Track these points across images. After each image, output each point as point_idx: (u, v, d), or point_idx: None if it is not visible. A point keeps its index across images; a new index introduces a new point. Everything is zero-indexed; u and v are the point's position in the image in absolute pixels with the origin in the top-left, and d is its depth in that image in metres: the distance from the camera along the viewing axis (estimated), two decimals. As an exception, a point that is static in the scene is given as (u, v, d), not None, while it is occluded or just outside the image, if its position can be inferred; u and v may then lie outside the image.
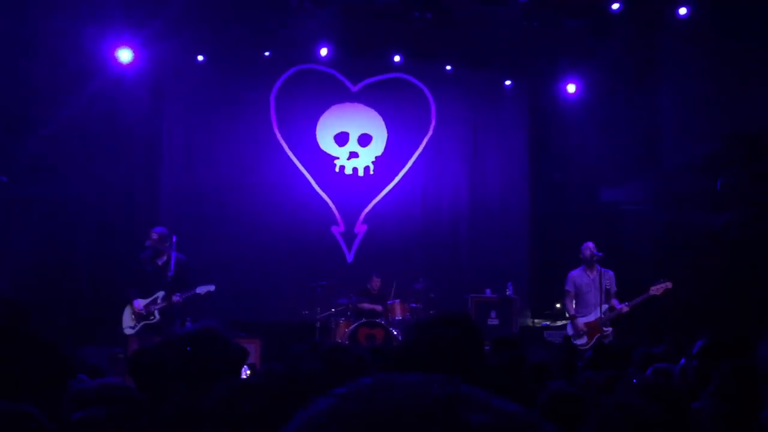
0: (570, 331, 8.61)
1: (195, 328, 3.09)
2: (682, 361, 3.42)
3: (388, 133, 11.97)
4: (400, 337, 9.56)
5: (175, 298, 8.26)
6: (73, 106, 10.04)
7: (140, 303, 8.36)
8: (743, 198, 8.86)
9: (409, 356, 1.89)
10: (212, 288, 8.42)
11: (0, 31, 9.42)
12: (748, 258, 8.74)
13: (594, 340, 8.25)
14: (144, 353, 3.85)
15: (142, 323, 8.35)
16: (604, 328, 8.29)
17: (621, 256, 9.59)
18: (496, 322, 10.43)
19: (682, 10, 10.00)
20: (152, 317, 8.33)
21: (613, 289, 8.48)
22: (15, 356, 2.79)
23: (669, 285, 8.15)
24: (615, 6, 10.20)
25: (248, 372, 7.40)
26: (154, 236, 8.47)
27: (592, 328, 8.33)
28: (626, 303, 8.30)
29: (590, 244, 8.58)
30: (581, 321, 8.43)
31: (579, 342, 8.36)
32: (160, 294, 8.35)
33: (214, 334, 3.05)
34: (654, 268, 9.69)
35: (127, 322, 8.44)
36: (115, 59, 10.40)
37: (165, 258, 8.46)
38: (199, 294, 8.40)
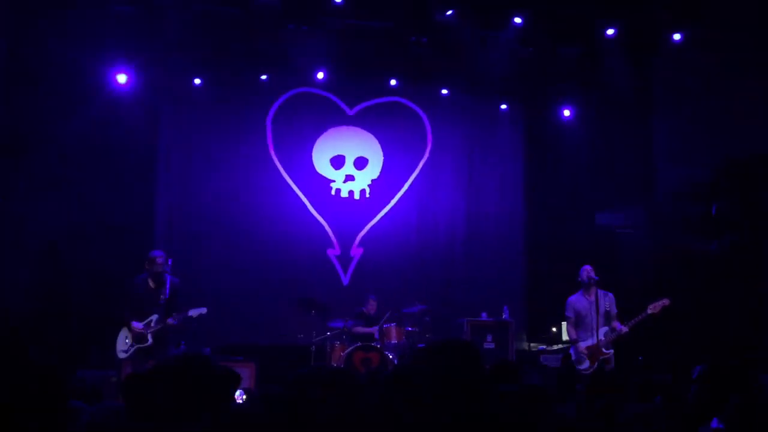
0: (573, 356, 8.58)
1: (180, 355, 3.08)
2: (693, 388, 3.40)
3: (384, 156, 12.00)
4: (395, 361, 9.52)
5: (170, 321, 8.23)
6: (69, 128, 10.06)
7: (138, 324, 8.30)
8: (737, 224, 8.90)
9: (405, 381, 1.87)
10: (204, 311, 8.37)
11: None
12: (741, 282, 8.77)
13: (596, 364, 8.22)
14: (135, 379, 3.83)
15: (135, 347, 8.28)
16: (605, 350, 8.27)
17: (617, 280, 9.59)
18: (492, 345, 10.41)
19: (676, 36, 10.10)
20: (145, 341, 8.26)
21: (614, 311, 8.47)
22: (12, 382, 2.76)
23: (666, 302, 8.14)
24: (610, 32, 10.28)
25: (243, 397, 7.36)
26: (161, 260, 8.43)
27: (593, 352, 8.30)
28: (625, 324, 8.27)
29: (587, 267, 8.57)
30: (583, 345, 8.40)
31: (582, 367, 8.33)
32: (154, 317, 8.31)
33: (198, 361, 3.03)
34: (649, 292, 9.69)
35: (121, 346, 8.37)
36: (112, 82, 10.43)
37: (159, 282, 8.42)
38: (191, 317, 8.34)
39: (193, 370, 3.01)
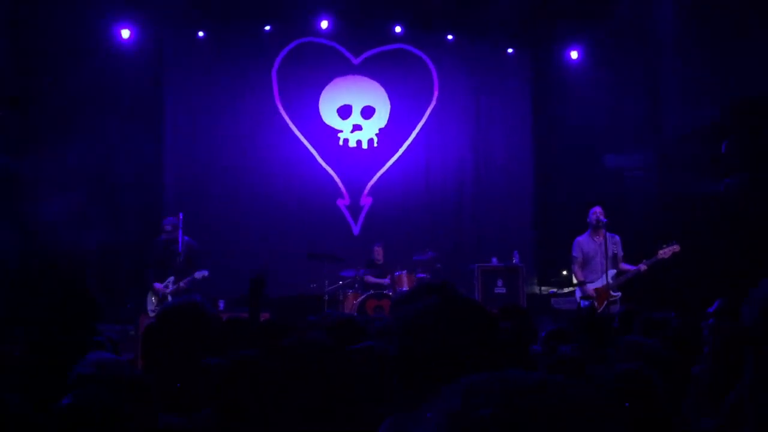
0: (579, 296, 8.65)
1: (172, 306, 3.12)
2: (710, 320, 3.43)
3: (391, 104, 11.96)
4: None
5: (181, 284, 8.47)
6: (73, 82, 10.05)
7: (159, 285, 8.60)
8: (747, 162, 8.85)
9: (405, 331, 1.86)
10: (206, 273, 8.59)
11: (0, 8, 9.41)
12: (752, 222, 8.76)
13: (603, 306, 8.30)
14: (152, 330, 3.90)
15: (160, 307, 8.53)
16: (612, 293, 8.33)
17: (625, 222, 9.60)
18: (503, 290, 10.48)
19: (684, -26, 9.94)
20: (166, 301, 8.49)
21: (620, 253, 8.51)
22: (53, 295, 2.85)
23: (677, 248, 8.15)
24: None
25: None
26: (169, 227, 8.65)
27: (600, 294, 8.37)
28: (643, 262, 8.29)
29: (597, 209, 8.58)
30: (590, 287, 8.46)
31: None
32: (170, 279, 8.57)
33: (194, 309, 3.07)
34: (658, 233, 9.71)
35: (149, 306, 8.73)
36: (116, 36, 10.38)
37: (177, 243, 8.62)
38: (197, 279, 8.56)
39: (186, 317, 3.04)
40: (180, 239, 8.61)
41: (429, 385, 1.74)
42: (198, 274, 8.54)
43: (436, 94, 12.07)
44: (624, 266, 8.43)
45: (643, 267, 8.25)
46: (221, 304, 9.82)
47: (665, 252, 8.16)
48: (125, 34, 10.41)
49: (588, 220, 8.58)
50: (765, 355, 1.39)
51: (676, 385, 3.04)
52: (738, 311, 3.55)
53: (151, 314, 8.64)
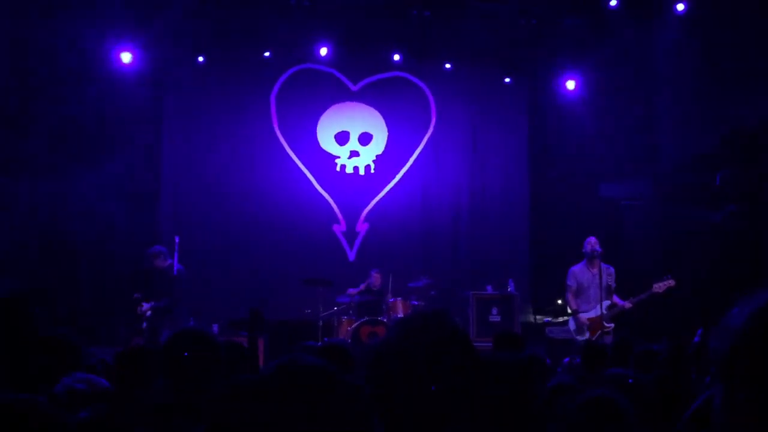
0: (572, 326, 8.64)
1: (181, 331, 3.14)
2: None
3: (388, 131, 12.01)
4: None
5: (149, 304, 8.43)
6: (73, 106, 10.11)
7: (139, 308, 8.58)
8: (741, 193, 8.89)
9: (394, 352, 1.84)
10: (164, 302, 8.49)
11: (0, 31, 9.48)
12: (746, 253, 8.78)
13: (596, 336, 8.29)
14: (131, 352, 3.89)
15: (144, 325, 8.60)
16: (606, 324, 8.32)
17: (621, 252, 9.63)
18: (497, 318, 10.45)
19: (680, 6, 10.04)
20: (145, 321, 8.53)
21: (613, 285, 8.50)
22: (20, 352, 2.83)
23: (672, 283, 8.15)
24: (613, 2, 10.23)
25: None
26: (150, 256, 8.65)
27: (594, 324, 8.36)
28: (629, 300, 8.31)
29: (592, 239, 8.59)
30: (584, 317, 8.45)
31: (581, 338, 8.38)
32: (151, 303, 8.56)
33: (198, 336, 3.08)
34: (654, 264, 9.73)
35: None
36: (116, 60, 10.45)
37: (163, 266, 8.61)
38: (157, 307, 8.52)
39: (195, 343, 3.06)
40: (176, 264, 8.59)
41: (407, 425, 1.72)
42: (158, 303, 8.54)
43: (433, 121, 12.13)
44: (615, 299, 8.44)
45: (627, 305, 8.27)
46: (215, 328, 9.79)
47: (660, 286, 8.16)
48: (126, 58, 10.47)
49: (583, 250, 8.59)
50: (734, 388, 1.39)
51: (653, 411, 3.04)
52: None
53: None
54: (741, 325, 1.44)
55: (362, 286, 10.39)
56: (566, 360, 5.00)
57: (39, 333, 3.03)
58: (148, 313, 8.54)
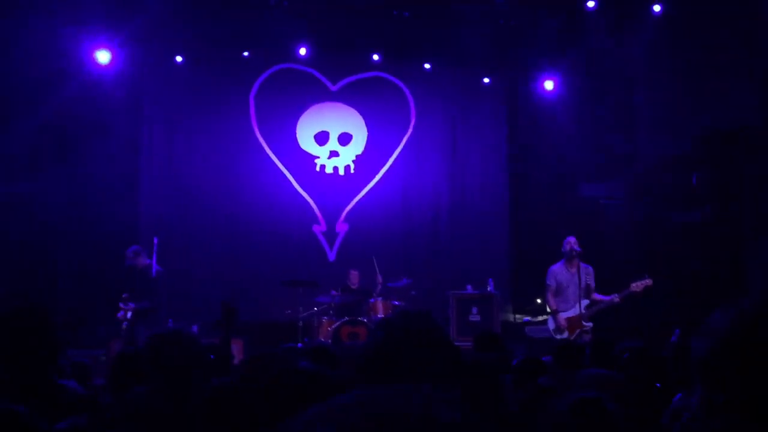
0: (551, 325, 8.69)
1: (165, 333, 3.14)
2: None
3: (368, 131, 12.02)
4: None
5: (130, 305, 8.37)
6: (51, 106, 10.04)
7: (121, 313, 8.53)
8: (717, 194, 9.00)
9: (377, 356, 1.87)
10: (146, 304, 8.46)
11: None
12: (721, 252, 8.89)
13: (575, 335, 8.34)
14: (123, 357, 3.88)
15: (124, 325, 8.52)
16: (585, 323, 8.38)
17: (600, 251, 9.69)
18: (477, 318, 10.50)
19: (656, 8, 10.13)
20: (126, 322, 8.45)
21: (593, 284, 8.56)
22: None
23: (649, 282, 8.22)
24: (590, 4, 10.31)
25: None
26: (130, 254, 8.58)
27: (573, 324, 8.42)
28: (616, 294, 8.34)
29: (571, 239, 8.64)
30: (562, 316, 8.51)
31: (560, 337, 8.44)
32: (131, 305, 8.49)
33: (180, 338, 3.08)
34: (632, 263, 9.81)
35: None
36: (94, 60, 10.38)
37: (142, 266, 8.56)
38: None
39: (180, 344, 3.06)
40: (154, 264, 8.55)
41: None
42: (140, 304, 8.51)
43: (412, 121, 12.16)
44: (597, 296, 8.49)
45: (616, 299, 8.32)
46: (195, 329, 9.75)
47: (638, 285, 8.22)
48: (104, 58, 10.40)
49: (562, 250, 8.64)
50: (713, 390, 1.42)
51: (639, 412, 3.07)
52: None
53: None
54: (722, 329, 1.47)
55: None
56: (545, 359, 5.05)
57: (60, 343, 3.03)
58: (129, 314, 8.48)
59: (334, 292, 10.19)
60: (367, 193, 11.93)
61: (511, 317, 11.43)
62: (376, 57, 11.69)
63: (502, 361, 4.63)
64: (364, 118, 12.04)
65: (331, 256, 11.77)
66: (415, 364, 1.81)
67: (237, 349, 9.43)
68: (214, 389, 2.60)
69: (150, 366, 3.03)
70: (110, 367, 3.86)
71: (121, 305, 8.50)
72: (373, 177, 11.97)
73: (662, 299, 8.74)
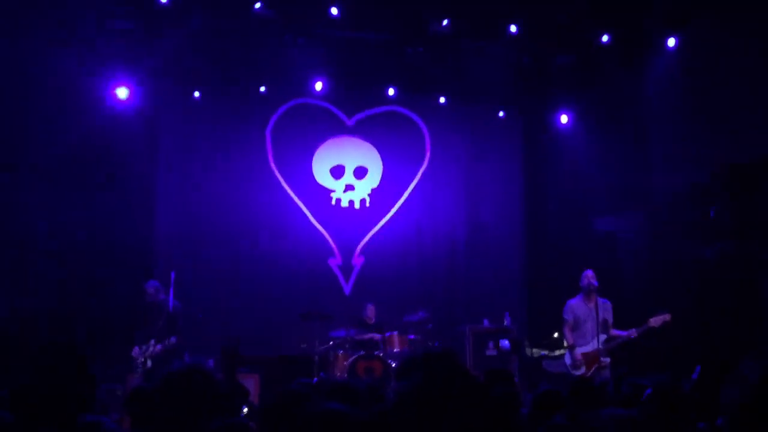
0: (568, 360, 8.63)
1: (181, 368, 3.14)
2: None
3: (383, 165, 12.07)
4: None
5: (158, 347, 8.47)
6: (69, 141, 10.14)
7: (137, 350, 8.61)
8: (735, 229, 8.93)
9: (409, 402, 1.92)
10: (174, 340, 8.63)
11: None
12: (739, 288, 8.80)
13: (592, 371, 8.27)
14: (140, 392, 3.90)
15: (140, 371, 8.62)
16: (602, 359, 8.30)
17: (616, 285, 9.63)
18: (494, 352, 10.44)
19: (671, 41, 10.16)
20: (146, 365, 8.53)
21: (611, 320, 8.51)
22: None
23: (668, 317, 8.16)
24: (604, 38, 10.35)
25: (245, 410, 7.42)
26: (151, 290, 8.72)
27: (590, 359, 8.35)
28: (633, 329, 8.29)
29: (589, 273, 8.60)
30: (579, 351, 8.44)
31: (577, 372, 8.38)
32: (152, 342, 8.58)
33: (200, 375, 3.08)
34: (649, 297, 9.74)
35: (133, 364, 8.72)
36: (111, 96, 10.51)
37: (158, 307, 8.66)
38: (169, 344, 8.59)
39: (195, 382, 3.06)
40: (171, 299, 8.62)
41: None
42: (172, 340, 8.62)
43: (428, 155, 12.20)
44: (615, 332, 8.43)
45: (633, 334, 8.26)
46: (210, 363, 9.74)
47: (656, 320, 8.17)
48: (122, 93, 10.53)
49: (581, 284, 8.60)
50: None
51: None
52: (719, 378, 3.57)
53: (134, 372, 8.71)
54: (754, 377, 1.46)
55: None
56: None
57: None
58: (150, 351, 8.54)
59: (352, 331, 10.15)
60: (382, 226, 11.95)
61: (527, 351, 11.33)
62: (391, 91, 11.76)
63: (512, 397, 4.60)
64: (380, 152, 12.09)
65: (347, 289, 11.76)
66: (444, 409, 1.85)
67: (253, 383, 9.42)
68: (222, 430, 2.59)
69: (164, 405, 3.03)
70: (126, 404, 3.86)
71: (138, 347, 8.56)
72: (389, 210, 11.99)
73: (681, 335, 8.65)
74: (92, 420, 2.94)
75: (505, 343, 10.32)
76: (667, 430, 3.66)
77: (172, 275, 8.79)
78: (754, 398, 1.47)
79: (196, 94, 11.27)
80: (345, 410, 2.47)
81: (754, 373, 1.49)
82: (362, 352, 9.84)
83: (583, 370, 8.35)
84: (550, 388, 4.67)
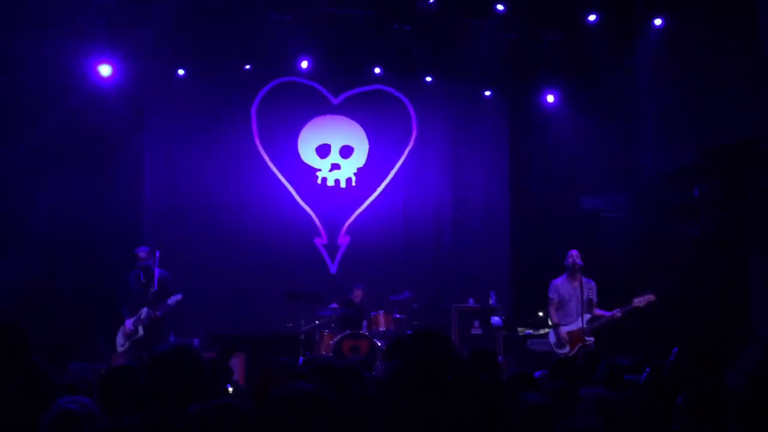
0: (552, 339, 8.68)
1: (166, 349, 3.12)
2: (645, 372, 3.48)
3: (369, 144, 12.02)
4: (384, 348, 9.59)
5: (158, 313, 8.50)
6: (53, 121, 10.06)
7: (129, 322, 8.63)
8: (720, 208, 8.99)
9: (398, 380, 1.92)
10: (179, 297, 8.72)
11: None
12: (723, 266, 8.87)
13: (576, 350, 8.33)
14: (115, 373, 3.86)
15: (130, 340, 8.61)
16: (587, 338, 8.36)
17: (601, 264, 9.68)
18: (479, 331, 10.51)
19: (657, 21, 10.15)
20: (137, 334, 8.55)
21: (595, 299, 8.56)
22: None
23: (652, 297, 8.22)
24: (592, 18, 10.32)
25: (230, 389, 7.43)
26: (143, 255, 8.71)
27: (574, 338, 8.40)
28: (617, 309, 8.35)
29: (574, 252, 8.64)
30: (564, 330, 8.49)
31: (561, 351, 8.43)
32: (144, 310, 8.59)
33: (186, 355, 3.07)
34: (633, 276, 9.80)
35: (119, 340, 8.78)
36: (96, 74, 10.40)
37: (149, 276, 8.66)
38: (171, 305, 8.62)
39: (182, 362, 3.05)
40: (156, 275, 8.65)
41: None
42: (171, 300, 8.66)
43: (414, 134, 12.16)
44: (599, 312, 8.48)
45: (618, 314, 8.32)
46: (196, 342, 9.75)
47: (640, 300, 8.23)
48: (105, 71, 10.42)
49: (565, 263, 8.64)
50: (751, 423, 1.42)
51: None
52: (700, 361, 3.59)
53: (119, 348, 8.71)
54: (756, 365, 1.46)
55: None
56: (537, 374, 5.05)
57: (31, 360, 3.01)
58: (132, 329, 8.56)
59: (335, 305, 10.18)
60: (368, 205, 11.93)
61: (513, 330, 11.39)
62: (377, 70, 11.69)
63: (495, 379, 4.62)
64: (366, 131, 12.04)
65: (333, 268, 11.75)
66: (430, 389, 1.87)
67: (238, 362, 9.44)
68: (208, 411, 2.58)
69: (151, 383, 3.02)
70: (101, 383, 3.78)
71: (130, 320, 8.56)
72: (375, 190, 11.96)
73: (663, 314, 8.71)
74: (60, 409, 2.92)
75: (497, 319, 10.36)
76: (651, 409, 3.69)
77: (157, 254, 8.80)
78: (757, 384, 1.47)
79: (181, 72, 11.17)
80: (315, 391, 2.46)
81: (755, 360, 1.50)
82: (348, 332, 9.86)
83: (567, 349, 8.41)
84: (520, 370, 4.70)
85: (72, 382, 5.16)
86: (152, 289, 8.62)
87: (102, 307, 9.67)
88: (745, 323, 8.57)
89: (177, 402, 2.90)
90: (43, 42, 9.63)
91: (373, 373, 6.91)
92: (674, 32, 10.01)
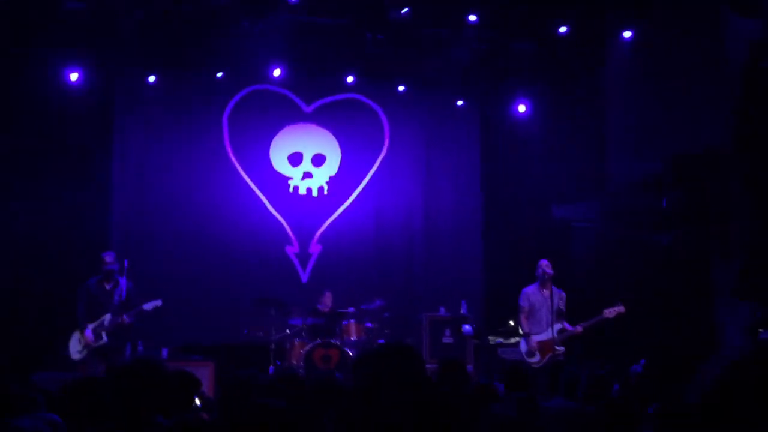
0: (523, 348, 8.71)
1: (131, 362, 3.08)
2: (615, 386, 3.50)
3: (341, 153, 12.01)
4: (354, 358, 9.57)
5: (125, 318, 8.36)
6: (22, 126, 9.94)
7: (89, 330, 8.46)
8: (685, 217, 9.09)
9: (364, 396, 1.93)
10: (159, 303, 8.58)
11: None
12: (691, 274, 8.96)
13: (546, 359, 8.36)
14: (78, 386, 3.78)
15: (89, 348, 8.45)
16: (557, 348, 8.40)
17: (572, 273, 9.74)
18: (450, 340, 10.52)
19: (627, 33, 10.26)
20: (100, 340, 8.41)
21: (564, 309, 8.61)
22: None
23: (622, 309, 8.29)
24: (562, 29, 10.41)
25: (197, 401, 7.33)
26: (110, 259, 8.59)
27: (544, 347, 8.44)
28: (580, 324, 8.42)
29: (544, 262, 8.69)
30: (534, 339, 8.53)
31: (532, 360, 8.47)
32: (107, 317, 8.45)
33: (151, 368, 3.03)
34: (603, 286, 9.87)
35: (75, 347, 8.55)
36: (65, 80, 10.29)
37: (113, 283, 8.53)
38: (147, 311, 8.49)
39: (145, 375, 3.00)
40: (124, 285, 8.54)
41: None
42: (149, 305, 8.51)
43: (386, 143, 12.16)
44: (565, 325, 8.54)
45: (579, 329, 8.41)
46: (164, 352, 9.64)
47: (610, 312, 8.30)
48: (74, 76, 10.32)
49: (536, 273, 8.69)
50: None
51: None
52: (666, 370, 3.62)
53: (75, 357, 8.55)
54: (712, 381, 1.48)
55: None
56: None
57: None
58: (92, 338, 8.42)
59: (306, 317, 10.13)
60: (340, 214, 11.91)
61: (484, 339, 11.41)
62: (350, 79, 11.69)
63: (458, 391, 4.62)
64: (338, 140, 12.03)
65: (304, 277, 11.71)
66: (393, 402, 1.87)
67: (207, 372, 9.34)
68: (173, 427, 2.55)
69: (117, 396, 2.97)
70: (64, 396, 3.69)
71: (91, 326, 8.41)
72: (347, 198, 11.95)
73: (632, 323, 8.77)
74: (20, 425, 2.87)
75: (468, 328, 10.38)
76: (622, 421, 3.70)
77: (126, 263, 8.70)
78: (712, 397, 1.48)
79: (152, 78, 11.07)
80: (279, 407, 2.44)
81: (713, 377, 1.51)
82: (319, 341, 9.81)
83: (537, 357, 8.45)
84: (483, 382, 4.72)
85: (33, 396, 5.09)
86: (118, 298, 8.51)
87: (68, 315, 9.52)
88: (709, 334, 8.65)
89: (142, 415, 2.87)
90: (12, 49, 9.52)
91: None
92: (643, 44, 10.12)
